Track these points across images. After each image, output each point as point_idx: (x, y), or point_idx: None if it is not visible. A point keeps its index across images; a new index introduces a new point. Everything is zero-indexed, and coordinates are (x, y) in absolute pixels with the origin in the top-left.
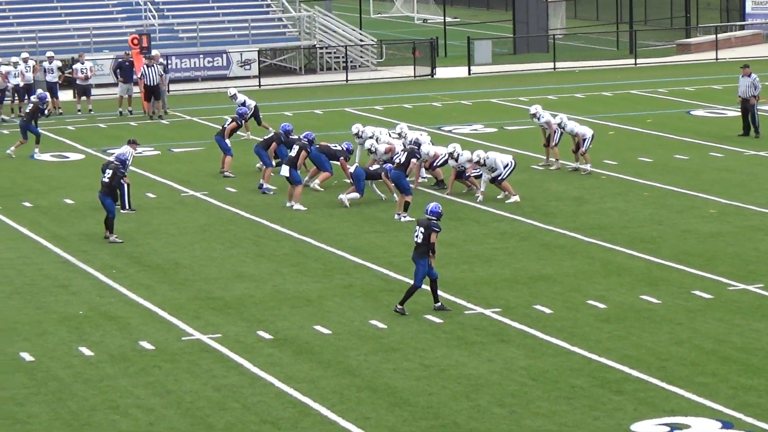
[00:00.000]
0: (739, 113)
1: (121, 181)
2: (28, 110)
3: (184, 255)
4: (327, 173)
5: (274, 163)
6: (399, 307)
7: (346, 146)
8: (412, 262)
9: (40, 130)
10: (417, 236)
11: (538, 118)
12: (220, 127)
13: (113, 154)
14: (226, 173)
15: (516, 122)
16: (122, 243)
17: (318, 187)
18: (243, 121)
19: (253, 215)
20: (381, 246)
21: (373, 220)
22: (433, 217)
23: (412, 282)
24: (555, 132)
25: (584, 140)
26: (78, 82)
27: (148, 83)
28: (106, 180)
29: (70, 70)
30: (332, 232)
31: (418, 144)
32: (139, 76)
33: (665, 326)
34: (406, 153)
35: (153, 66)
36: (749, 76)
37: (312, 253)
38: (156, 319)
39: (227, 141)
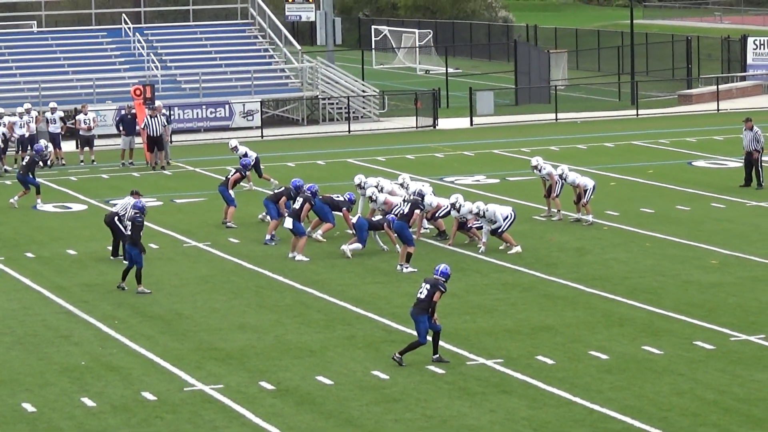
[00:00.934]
0: (742, 164)
1: (124, 231)
2: (24, 162)
3: (186, 306)
4: (329, 224)
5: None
6: (397, 355)
7: (349, 197)
8: (411, 318)
9: (39, 181)
10: (421, 292)
11: (540, 170)
12: (224, 178)
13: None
14: (228, 224)
15: (518, 173)
16: (131, 292)
17: (320, 238)
18: (246, 173)
19: (255, 266)
20: (383, 297)
21: (376, 271)
22: (442, 278)
23: (412, 332)
24: (556, 183)
25: (586, 191)
26: (81, 132)
27: (151, 134)
28: (129, 232)
29: (73, 121)
30: (334, 283)
31: (421, 195)
32: (141, 126)
33: (667, 377)
34: (409, 204)
35: (156, 117)
36: (751, 129)
37: (314, 303)
38: (158, 369)
39: (231, 192)
